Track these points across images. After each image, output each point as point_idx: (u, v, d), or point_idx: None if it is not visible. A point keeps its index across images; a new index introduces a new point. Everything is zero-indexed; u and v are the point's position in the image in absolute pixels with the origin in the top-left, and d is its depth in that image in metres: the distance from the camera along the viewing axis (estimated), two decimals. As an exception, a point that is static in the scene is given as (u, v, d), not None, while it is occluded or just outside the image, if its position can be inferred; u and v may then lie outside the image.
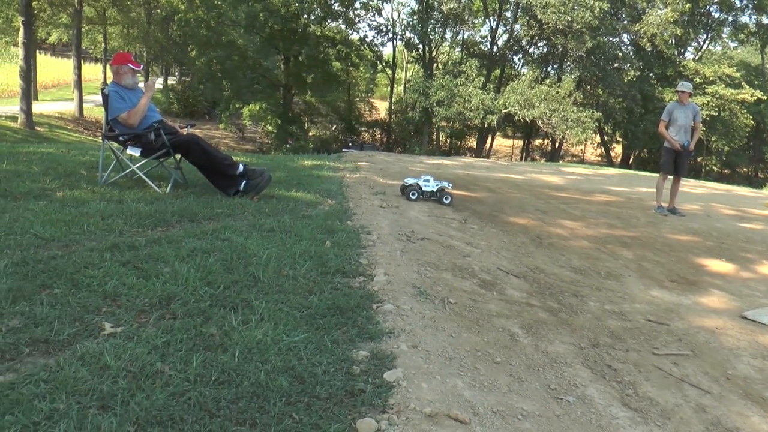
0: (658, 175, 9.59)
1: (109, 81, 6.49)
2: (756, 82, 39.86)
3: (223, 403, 2.30)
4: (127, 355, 2.54)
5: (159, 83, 48.38)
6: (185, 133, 6.47)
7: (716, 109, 35.22)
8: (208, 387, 2.38)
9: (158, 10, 45.01)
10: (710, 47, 43.73)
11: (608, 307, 4.44)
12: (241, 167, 6.05)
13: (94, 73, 51.96)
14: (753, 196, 15.04)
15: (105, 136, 6.31)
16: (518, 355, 3.25)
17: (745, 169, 42.62)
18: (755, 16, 41.05)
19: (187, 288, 3.30)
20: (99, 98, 9.89)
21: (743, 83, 37.27)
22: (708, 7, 40.14)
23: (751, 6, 40.20)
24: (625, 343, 3.77)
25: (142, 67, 6.84)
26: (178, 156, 6.25)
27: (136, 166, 6.14)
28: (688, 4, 37.04)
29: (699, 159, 40.72)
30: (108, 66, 18.18)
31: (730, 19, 41.78)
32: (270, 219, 5.10)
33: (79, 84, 35.77)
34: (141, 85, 6.40)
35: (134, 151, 6.09)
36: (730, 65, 38.57)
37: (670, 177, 9.22)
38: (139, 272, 3.49)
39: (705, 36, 43.02)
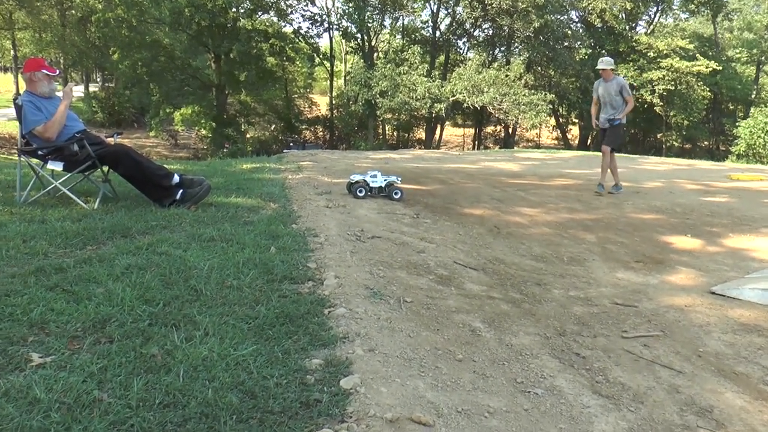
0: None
1: (22, 91, 6.31)
2: (710, 53, 41.02)
3: (169, 426, 2.27)
4: (59, 385, 2.48)
5: (79, 90, 47.18)
6: (112, 143, 6.34)
7: (672, 82, 36.18)
8: (152, 411, 2.35)
9: (73, 11, 43.83)
10: (662, 20, 44.89)
11: (573, 294, 4.53)
12: (176, 177, 5.96)
13: (4, 84, 50.46)
14: (716, 169, 15.52)
15: (21, 152, 6.11)
16: (481, 351, 3.29)
17: (706, 143, 43.79)
18: (705, -16, 42.25)
19: (123, 308, 3.25)
20: (12, 111, 9.62)
21: (698, 55, 38.33)
22: (656, -23, 41.22)
23: (699, -26, 41.41)
24: (593, 328, 3.85)
25: (58, 72, 6.66)
26: (105, 168, 6.12)
27: (59, 181, 5.98)
28: (636, -24, 37.98)
29: (659, 135, 41.76)
30: (20, 75, 17.68)
31: (680, -11, 42.93)
32: (209, 228, 5.05)
33: (-12, 97, 34.72)
34: (59, 93, 6.23)
35: (56, 166, 5.93)
36: (683, 37, 39.64)
37: (618, 154, 9.59)
38: (69, 296, 3.41)
39: (655, 8, 44.06)
